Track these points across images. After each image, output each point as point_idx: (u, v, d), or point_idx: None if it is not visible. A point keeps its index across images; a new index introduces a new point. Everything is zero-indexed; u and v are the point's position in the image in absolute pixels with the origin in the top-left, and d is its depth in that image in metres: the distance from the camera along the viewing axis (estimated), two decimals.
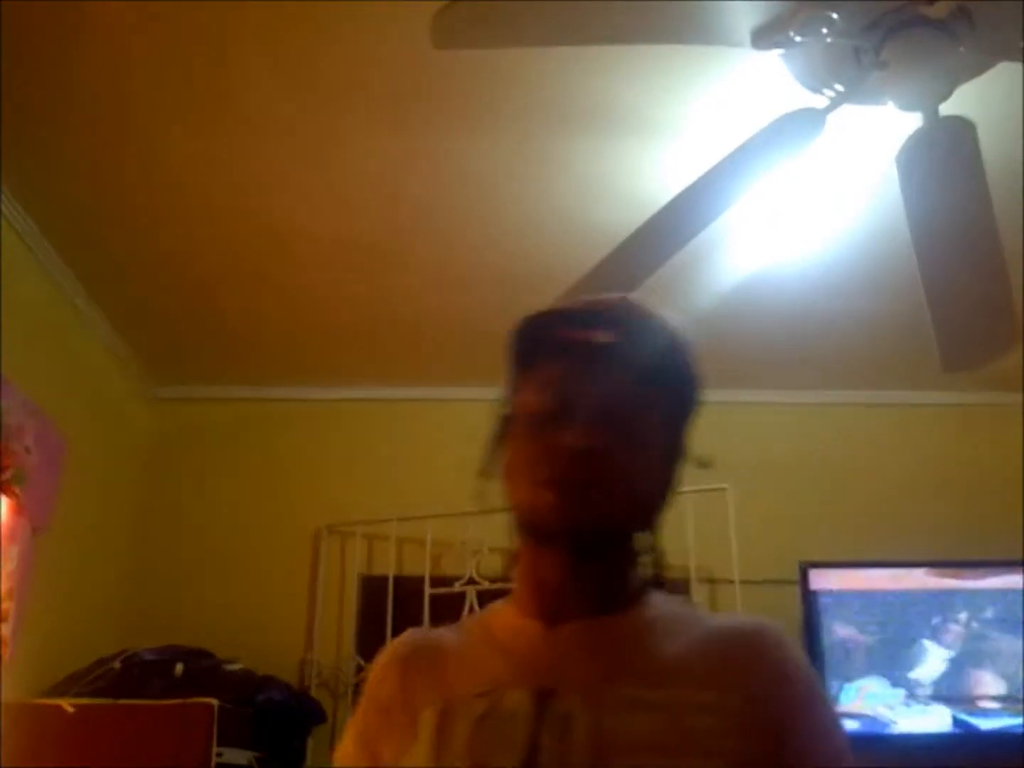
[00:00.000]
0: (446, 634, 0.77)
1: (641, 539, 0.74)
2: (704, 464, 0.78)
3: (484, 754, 0.65)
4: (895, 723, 2.31)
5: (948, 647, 2.38)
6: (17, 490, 1.92)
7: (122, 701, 1.96)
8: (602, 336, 0.72)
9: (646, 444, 0.71)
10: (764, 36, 1.27)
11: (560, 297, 0.80)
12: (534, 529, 0.70)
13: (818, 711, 0.69)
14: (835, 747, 0.68)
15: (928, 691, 2.34)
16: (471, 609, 2.38)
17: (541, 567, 0.72)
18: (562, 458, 0.68)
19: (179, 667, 2.06)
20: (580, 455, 0.67)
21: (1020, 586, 2.40)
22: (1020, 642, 2.36)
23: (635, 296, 0.79)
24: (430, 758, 0.67)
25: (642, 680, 0.67)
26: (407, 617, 2.33)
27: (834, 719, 0.71)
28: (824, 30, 1.27)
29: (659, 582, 0.75)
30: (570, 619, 0.71)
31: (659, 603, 0.74)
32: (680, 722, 0.64)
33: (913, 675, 2.36)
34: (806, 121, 1.38)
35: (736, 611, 0.69)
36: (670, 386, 0.74)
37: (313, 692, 2.49)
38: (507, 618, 0.75)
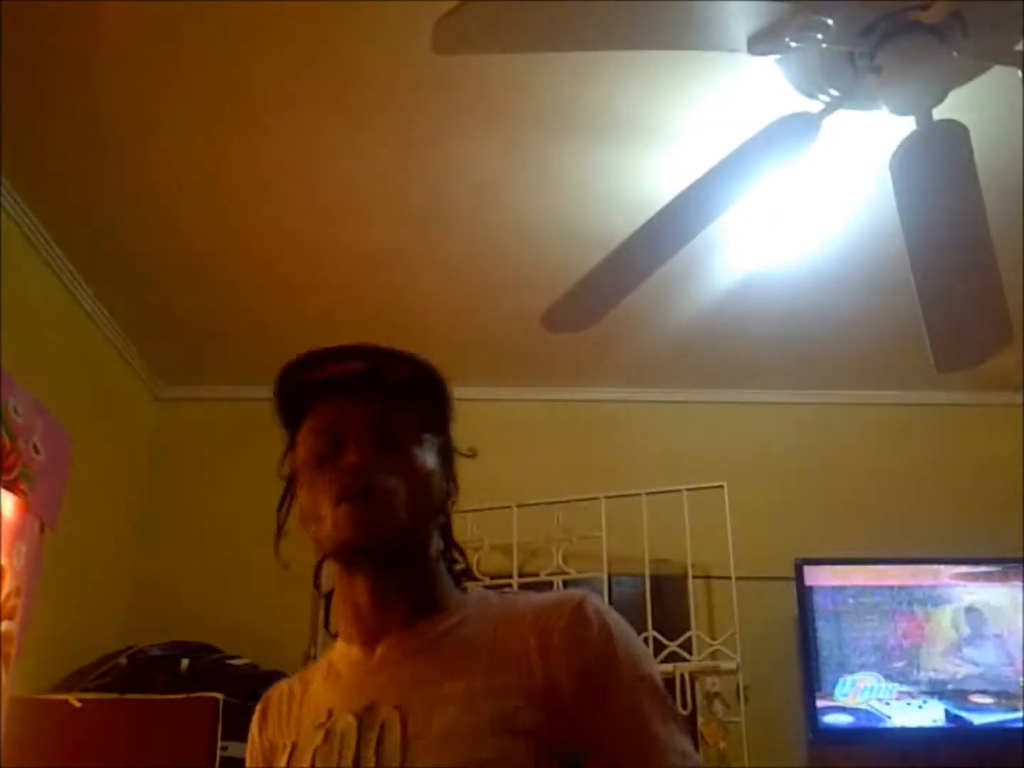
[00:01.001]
0: (305, 675, 0.84)
1: (435, 543, 0.79)
2: (472, 454, 0.85)
3: None
4: (889, 717, 2.33)
5: (943, 643, 2.41)
6: (25, 488, 1.95)
7: (128, 696, 1.98)
8: (351, 366, 0.78)
9: (414, 456, 0.77)
10: (760, 42, 1.29)
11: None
12: (340, 549, 0.75)
13: (621, 683, 0.69)
14: (636, 724, 0.68)
15: (922, 686, 2.36)
16: None
17: (353, 591, 0.77)
18: (347, 475, 0.74)
19: (184, 662, 2.08)
20: (361, 469, 0.74)
21: (1016, 584, 2.42)
22: (1015, 638, 2.38)
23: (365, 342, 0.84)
24: None
25: (447, 677, 0.71)
26: None
27: (643, 693, 0.70)
28: (819, 35, 1.29)
29: (459, 581, 0.81)
30: (384, 636, 0.76)
31: (472, 601, 0.79)
32: (479, 709, 0.68)
33: (907, 670, 2.38)
34: (801, 126, 1.40)
35: (561, 591, 0.74)
36: (424, 394, 0.80)
37: None
38: (340, 648, 0.81)
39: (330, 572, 0.82)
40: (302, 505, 0.79)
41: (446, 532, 0.82)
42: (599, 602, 0.74)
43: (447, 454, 0.83)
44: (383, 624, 0.77)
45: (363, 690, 0.74)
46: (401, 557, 0.76)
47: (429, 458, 0.79)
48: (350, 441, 0.76)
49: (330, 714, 0.75)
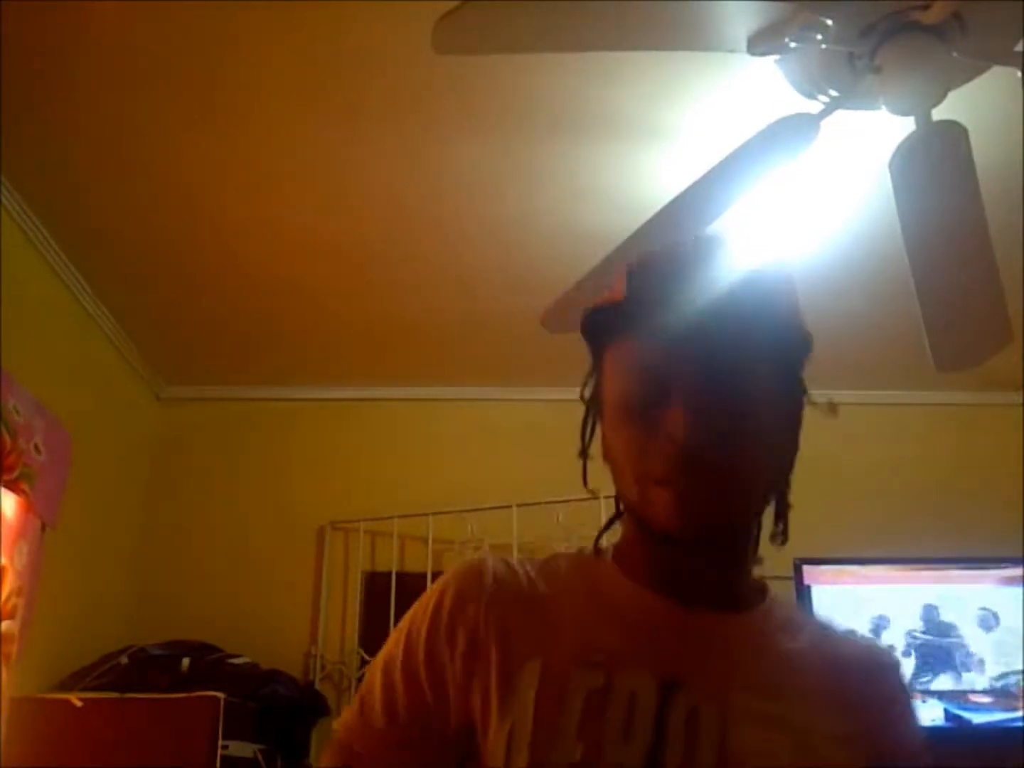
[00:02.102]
0: (537, 575, 0.66)
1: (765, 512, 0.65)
2: (832, 410, 0.69)
3: (601, 740, 0.56)
4: None
5: (942, 643, 2.41)
6: (26, 488, 1.95)
7: (129, 695, 1.99)
8: (694, 308, 0.60)
9: (763, 417, 0.61)
10: (760, 42, 1.29)
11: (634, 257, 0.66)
12: (651, 528, 0.62)
13: (919, 739, 0.68)
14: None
15: (921, 685, 2.36)
16: None
17: (662, 561, 0.64)
18: (674, 455, 0.58)
19: (185, 662, 2.09)
20: (694, 451, 0.58)
21: (1016, 584, 2.42)
22: (1015, 638, 2.38)
23: (716, 236, 0.67)
24: (529, 722, 0.57)
25: (773, 693, 0.60)
26: None
27: (924, 743, 0.69)
28: (819, 36, 1.29)
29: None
30: (699, 606, 0.62)
31: (782, 603, 0.68)
32: (811, 748, 0.59)
33: (906, 670, 2.39)
34: (800, 126, 1.40)
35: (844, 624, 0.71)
36: (780, 345, 0.64)
37: (317, 686, 2.52)
38: (620, 582, 0.65)
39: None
40: (608, 447, 0.64)
41: (780, 504, 0.66)
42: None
43: (796, 406, 0.66)
44: (696, 587, 0.63)
45: (668, 652, 0.60)
46: (730, 547, 0.63)
47: (773, 419, 0.62)
48: (681, 396, 0.58)
49: (612, 658, 0.59)
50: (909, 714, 0.69)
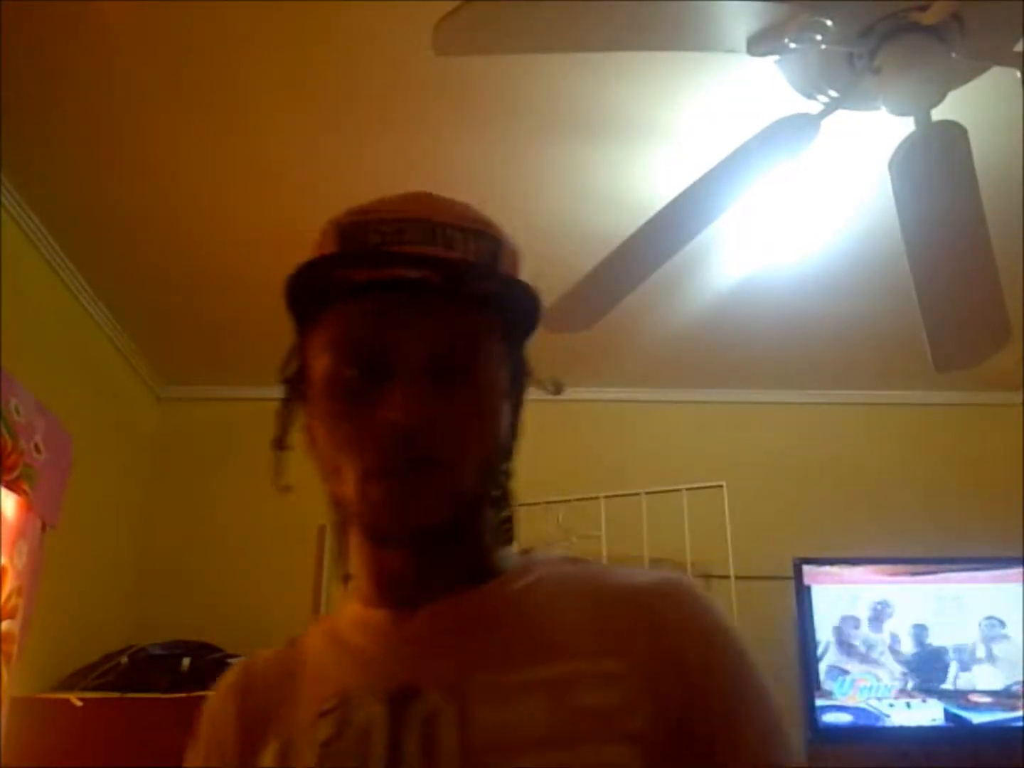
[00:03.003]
0: (288, 650, 0.63)
1: (496, 499, 0.60)
2: (558, 389, 0.63)
3: None
4: (888, 716, 2.33)
5: (942, 643, 2.41)
6: (26, 488, 1.95)
7: (129, 695, 1.98)
8: (413, 268, 0.54)
9: (489, 396, 0.56)
10: (760, 43, 1.29)
11: (341, 212, 0.60)
12: (365, 528, 0.56)
13: (743, 675, 0.55)
14: (764, 724, 0.54)
15: (921, 685, 2.37)
16: None
17: (380, 560, 0.58)
18: (386, 440, 0.52)
19: (186, 661, 2.09)
20: (409, 433, 0.51)
21: (1016, 583, 2.42)
22: (1015, 638, 2.38)
23: (434, 194, 0.60)
24: None
25: (519, 661, 0.53)
26: None
27: (764, 691, 0.56)
28: (819, 36, 1.29)
29: (510, 539, 0.61)
30: (424, 602, 0.57)
31: (537, 564, 0.60)
32: (573, 703, 0.51)
33: (906, 669, 2.39)
34: (800, 126, 1.40)
35: (655, 571, 0.59)
36: (508, 314, 0.57)
37: None
38: (353, 613, 0.61)
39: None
40: (311, 435, 0.58)
41: (504, 483, 0.61)
42: (700, 586, 0.59)
43: (520, 387, 0.61)
44: (424, 589, 0.57)
45: (394, 667, 0.54)
46: (453, 535, 0.56)
47: (501, 398, 0.57)
48: (397, 377, 0.53)
49: (343, 697, 0.54)
50: (716, 651, 0.55)
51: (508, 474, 0.61)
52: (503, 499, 0.61)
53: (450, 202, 0.60)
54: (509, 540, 0.61)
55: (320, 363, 0.56)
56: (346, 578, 0.62)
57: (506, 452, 0.60)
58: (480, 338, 0.56)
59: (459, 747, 0.51)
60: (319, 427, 0.57)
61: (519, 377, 0.61)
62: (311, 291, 0.57)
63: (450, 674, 0.54)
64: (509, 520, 0.62)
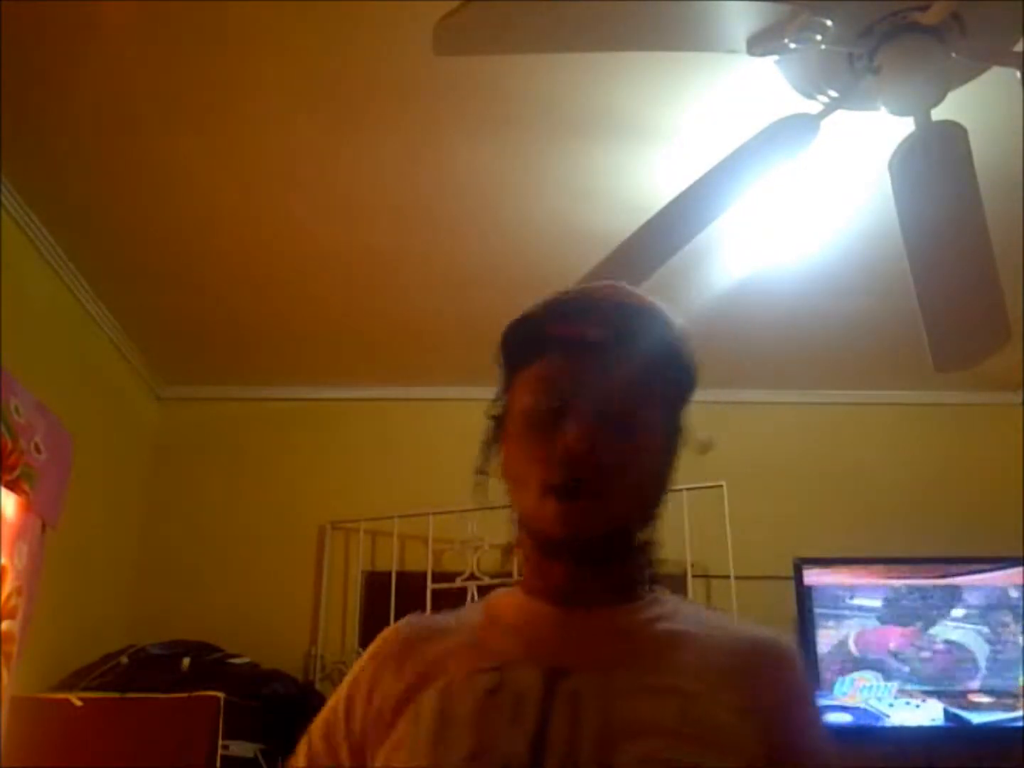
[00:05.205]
0: (449, 617, 0.76)
1: (644, 533, 0.72)
2: (705, 448, 0.76)
3: (491, 730, 0.62)
4: (888, 716, 2.34)
5: (942, 643, 2.41)
6: (26, 488, 1.95)
7: (129, 695, 1.98)
8: (597, 331, 0.69)
9: (647, 440, 0.69)
10: (760, 43, 1.29)
11: (551, 292, 0.75)
12: (538, 537, 0.70)
13: (818, 731, 0.69)
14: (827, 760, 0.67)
15: (921, 685, 2.37)
16: None
17: (548, 570, 0.71)
18: (563, 462, 0.66)
19: (186, 661, 2.09)
20: (582, 457, 0.65)
21: (1016, 583, 2.42)
22: (1015, 638, 2.39)
23: (625, 285, 0.76)
24: (431, 735, 0.64)
25: (655, 667, 0.65)
26: (409, 612, 2.36)
27: (828, 737, 0.69)
28: (818, 37, 1.29)
29: (655, 576, 0.74)
30: (582, 606, 0.69)
31: (669, 598, 0.73)
32: (695, 710, 0.62)
33: (906, 669, 2.39)
34: (800, 126, 1.40)
35: (746, 620, 0.78)
36: (669, 376, 0.72)
37: (318, 686, 2.52)
38: (516, 600, 0.73)
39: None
40: (506, 460, 0.71)
41: (653, 522, 0.73)
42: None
43: (677, 441, 0.73)
44: (581, 594, 0.69)
45: (550, 649, 0.67)
46: (607, 553, 0.69)
47: (662, 444, 0.71)
48: (574, 415, 0.67)
49: (504, 662, 0.66)
50: (809, 710, 0.70)
51: (656, 517, 0.73)
52: (651, 537, 0.73)
53: (633, 292, 0.75)
54: (652, 575, 0.74)
55: (522, 400, 0.71)
56: (508, 549, 0.74)
57: (657, 495, 0.72)
58: (642, 394, 0.70)
59: (599, 724, 0.61)
60: (514, 450, 0.71)
61: (674, 433, 0.74)
62: (524, 343, 0.73)
63: (599, 665, 0.65)
64: (653, 556, 0.74)
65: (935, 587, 2.46)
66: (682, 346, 0.74)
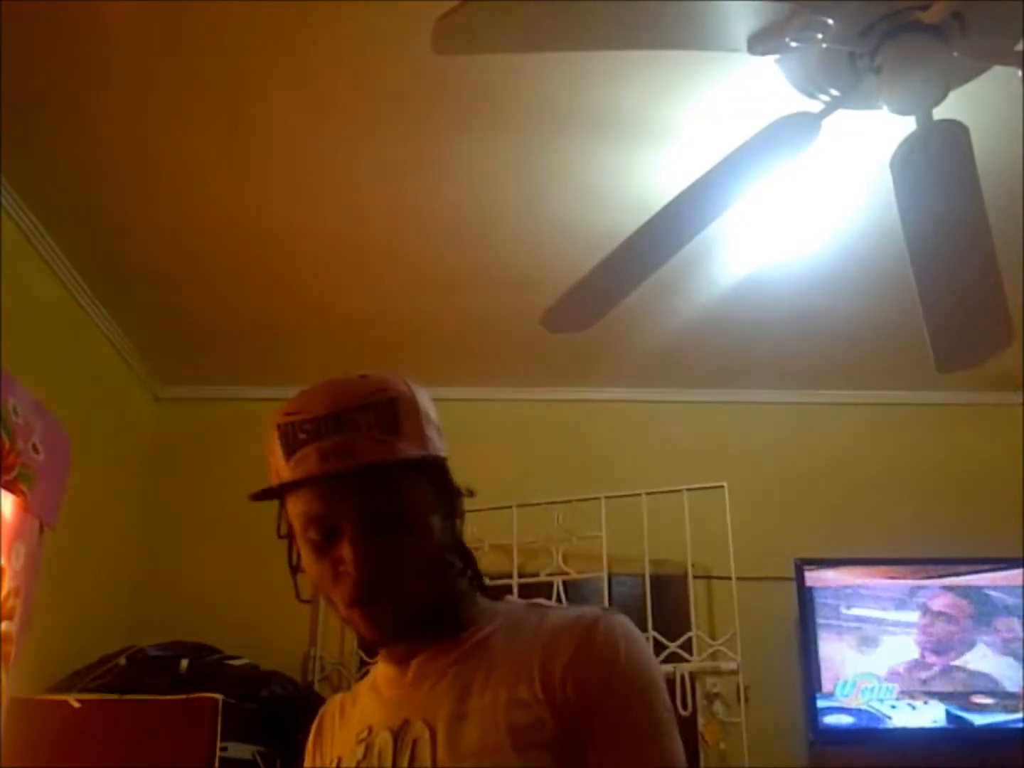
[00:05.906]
0: (356, 689, 0.89)
1: (450, 587, 0.79)
2: (470, 494, 0.82)
3: None
4: (890, 718, 2.33)
5: (943, 644, 2.40)
6: (24, 488, 1.95)
7: (127, 697, 1.98)
8: (327, 462, 0.74)
9: (418, 524, 0.76)
10: (760, 42, 1.29)
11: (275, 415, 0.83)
12: (364, 642, 0.82)
13: (639, 704, 0.71)
14: (646, 751, 0.70)
15: (923, 687, 2.36)
16: None
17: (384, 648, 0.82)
18: (351, 583, 0.74)
19: (184, 663, 2.08)
20: (366, 577, 0.73)
21: (1017, 584, 2.42)
22: (1015, 639, 2.38)
23: (335, 380, 0.79)
24: None
25: (474, 691, 0.74)
26: None
27: (657, 721, 0.72)
28: (819, 35, 1.29)
29: (483, 590, 0.83)
30: (414, 656, 0.80)
31: (502, 612, 0.81)
32: (499, 723, 0.70)
33: (908, 671, 2.38)
34: (801, 125, 1.40)
35: (587, 604, 0.89)
36: (409, 453, 0.76)
37: (316, 687, 2.51)
38: (381, 665, 0.85)
39: None
40: (311, 576, 0.79)
41: (462, 557, 0.82)
42: (616, 620, 0.75)
43: (447, 497, 0.80)
44: (414, 647, 0.80)
45: (399, 706, 0.79)
46: (423, 625, 0.78)
47: (434, 520, 0.78)
48: (345, 539, 0.74)
49: (370, 730, 0.79)
50: (606, 671, 0.72)
51: (455, 569, 0.80)
52: (463, 568, 0.81)
53: (351, 385, 0.78)
54: (479, 587, 0.83)
55: (297, 523, 0.79)
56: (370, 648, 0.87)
57: (446, 558, 0.79)
58: (396, 491, 0.76)
59: (430, 760, 0.73)
60: (311, 570, 0.79)
61: (443, 492, 0.80)
62: (274, 493, 0.81)
63: (429, 708, 0.76)
64: (475, 575, 0.82)
65: (935, 587, 2.45)
66: (418, 406, 0.80)
